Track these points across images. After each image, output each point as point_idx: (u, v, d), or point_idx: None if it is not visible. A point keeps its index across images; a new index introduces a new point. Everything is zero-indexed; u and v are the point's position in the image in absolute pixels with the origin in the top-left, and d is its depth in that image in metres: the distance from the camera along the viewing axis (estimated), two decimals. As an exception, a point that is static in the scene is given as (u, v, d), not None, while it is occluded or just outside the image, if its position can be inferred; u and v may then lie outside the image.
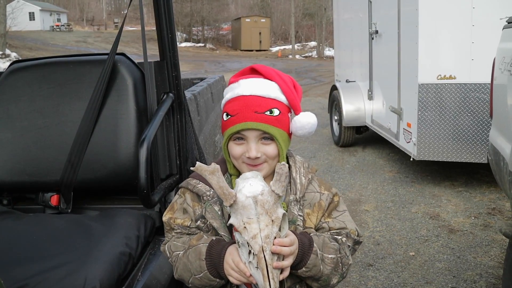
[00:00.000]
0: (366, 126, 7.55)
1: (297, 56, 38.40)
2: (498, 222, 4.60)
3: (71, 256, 1.72)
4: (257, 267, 1.36)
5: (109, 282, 1.66)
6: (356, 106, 7.45)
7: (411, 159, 5.68)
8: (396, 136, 6.14)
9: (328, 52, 36.59)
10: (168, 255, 1.64)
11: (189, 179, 1.71)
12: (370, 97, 7.23)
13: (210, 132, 3.23)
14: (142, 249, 1.97)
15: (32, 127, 2.26)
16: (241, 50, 44.23)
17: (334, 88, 8.17)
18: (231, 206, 1.37)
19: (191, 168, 1.36)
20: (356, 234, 1.67)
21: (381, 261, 3.98)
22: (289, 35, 45.88)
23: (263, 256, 1.34)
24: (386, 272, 3.80)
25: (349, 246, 1.63)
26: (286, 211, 1.59)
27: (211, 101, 3.44)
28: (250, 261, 1.38)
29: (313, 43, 44.94)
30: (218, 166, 1.35)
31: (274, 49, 45.70)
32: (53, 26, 56.11)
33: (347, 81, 8.24)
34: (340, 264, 1.58)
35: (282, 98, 1.60)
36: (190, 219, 1.64)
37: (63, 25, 56.87)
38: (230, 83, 1.65)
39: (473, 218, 4.78)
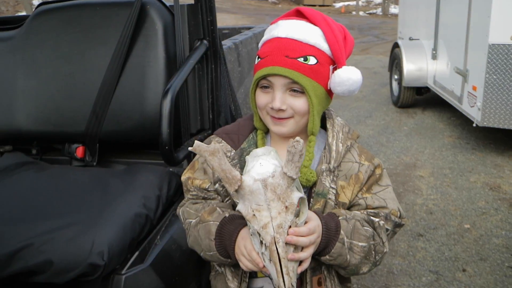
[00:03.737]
0: (427, 87, 7.10)
1: (361, 13, 37.05)
2: None
3: (82, 216, 1.58)
4: (270, 260, 1.16)
5: (120, 247, 1.51)
6: (418, 66, 7.00)
7: (474, 125, 5.27)
8: (459, 100, 5.72)
9: (394, 9, 35.04)
10: (182, 220, 1.49)
11: (212, 136, 1.52)
12: (434, 57, 6.76)
13: (252, 86, 3.01)
14: (164, 210, 1.81)
15: (57, 75, 2.13)
16: (304, 5, 43.21)
17: (396, 45, 7.71)
18: (237, 191, 1.15)
19: (189, 148, 1.14)
20: (398, 216, 1.43)
21: (432, 231, 3.72)
22: (353, -10, 44.31)
23: (275, 248, 1.13)
24: (437, 244, 3.54)
25: (387, 229, 1.41)
26: (316, 182, 1.38)
27: (255, 52, 3.20)
28: (262, 252, 1.18)
29: (378, 0, 43.25)
30: (218, 146, 1.11)
31: (338, 4, 44.25)
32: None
33: (410, 38, 7.74)
34: (373, 252, 1.36)
35: (324, 46, 1.35)
36: (209, 181, 1.46)
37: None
38: (271, 24, 1.43)
39: (538, 192, 4.41)
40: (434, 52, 6.75)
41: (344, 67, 1.38)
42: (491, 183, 4.61)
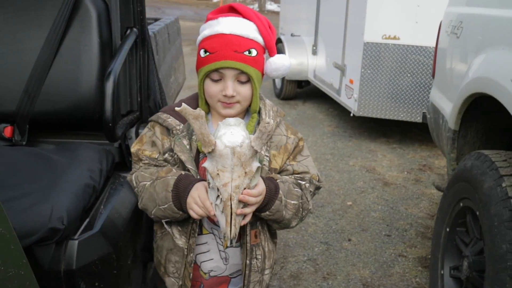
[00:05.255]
0: (307, 81, 7.66)
1: (238, 7, 37.66)
2: (432, 177, 4.89)
3: (35, 186, 1.68)
4: (222, 212, 1.42)
5: (75, 213, 1.65)
6: (299, 60, 7.51)
7: (351, 115, 5.86)
8: (338, 92, 6.29)
9: (270, 6, 36.18)
10: (135, 184, 1.68)
11: (159, 113, 1.73)
12: (314, 52, 7.31)
13: (166, 73, 3.19)
14: (104, 183, 1.96)
15: None
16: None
17: (278, 41, 8.18)
18: (209, 152, 1.39)
19: (176, 108, 1.35)
20: (317, 179, 1.76)
21: (320, 209, 4.16)
22: (230, -16, 44.91)
23: (229, 204, 1.40)
24: (325, 219, 3.98)
25: (310, 191, 1.72)
26: None
27: (167, 41, 3.38)
28: (216, 204, 1.43)
29: (254, -5, 44.24)
30: (203, 112, 1.33)
31: (215, -2, 44.68)
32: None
33: (292, 35, 8.27)
34: (301, 209, 1.67)
35: (259, 39, 1.62)
36: (158, 152, 1.68)
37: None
38: (208, 19, 1.65)
39: (405, 173, 5.05)
40: (314, 48, 7.30)
41: (277, 55, 1.68)
42: (367, 166, 5.19)
